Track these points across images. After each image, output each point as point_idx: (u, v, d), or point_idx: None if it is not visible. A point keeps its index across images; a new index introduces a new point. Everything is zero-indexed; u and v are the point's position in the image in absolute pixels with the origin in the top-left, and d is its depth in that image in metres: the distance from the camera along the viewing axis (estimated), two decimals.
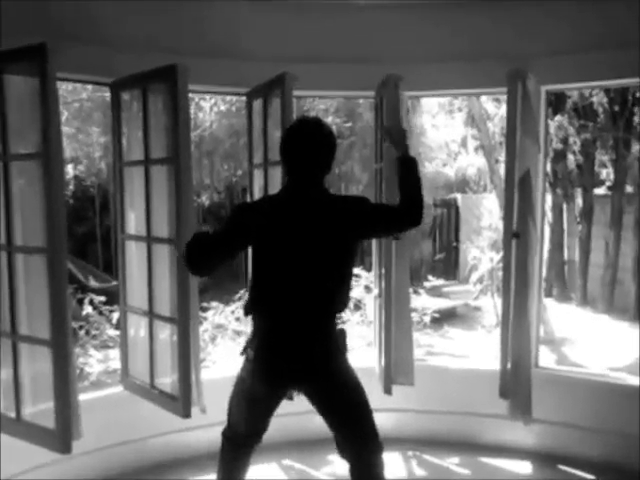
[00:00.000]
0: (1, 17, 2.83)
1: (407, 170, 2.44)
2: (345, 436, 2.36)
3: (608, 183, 11.06)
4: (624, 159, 10.18)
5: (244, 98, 3.80)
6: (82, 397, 3.18)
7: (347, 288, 2.40)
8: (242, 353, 2.40)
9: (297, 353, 2.29)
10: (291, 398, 2.51)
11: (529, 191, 3.34)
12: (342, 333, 2.37)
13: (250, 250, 2.45)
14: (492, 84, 3.67)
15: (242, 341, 5.53)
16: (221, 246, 2.30)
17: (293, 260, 2.27)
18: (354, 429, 2.36)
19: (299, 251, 2.27)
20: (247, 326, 4.08)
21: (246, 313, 2.43)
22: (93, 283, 8.06)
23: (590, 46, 3.34)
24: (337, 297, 2.35)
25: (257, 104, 3.62)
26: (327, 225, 2.28)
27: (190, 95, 3.14)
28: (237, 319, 6.37)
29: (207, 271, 2.33)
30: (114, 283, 7.17)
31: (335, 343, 2.34)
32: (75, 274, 7.83)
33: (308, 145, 2.27)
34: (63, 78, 3.21)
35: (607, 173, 11.20)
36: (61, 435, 2.77)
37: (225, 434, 2.54)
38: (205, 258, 2.28)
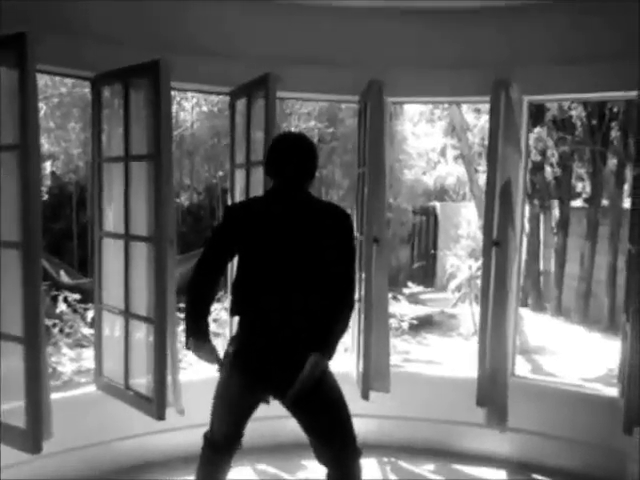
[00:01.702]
0: None
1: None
2: (323, 441, 2.34)
3: (584, 196, 11.22)
4: (600, 173, 10.33)
5: (227, 99, 3.78)
6: (54, 396, 3.11)
7: (341, 292, 2.35)
8: (224, 355, 2.40)
9: (277, 358, 2.28)
10: (267, 402, 2.48)
11: (510, 200, 3.37)
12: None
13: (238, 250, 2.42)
14: (476, 92, 3.69)
15: (220, 343, 5.47)
16: (220, 261, 2.38)
17: (278, 262, 2.29)
18: (332, 435, 2.34)
19: (285, 253, 2.29)
20: (225, 328, 4.04)
21: (231, 313, 2.46)
22: (65, 279, 7.92)
23: (574, 58, 3.38)
24: (318, 299, 2.32)
25: (240, 104, 3.60)
26: (312, 230, 2.32)
27: (172, 94, 3.11)
28: (215, 321, 6.31)
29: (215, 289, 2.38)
30: (86, 280, 7.08)
31: (314, 347, 2.30)
32: (47, 270, 7.69)
33: (293, 157, 2.35)
34: (43, 70, 3.16)
35: (583, 186, 11.36)
36: (31, 434, 2.70)
37: (207, 436, 2.51)
38: (211, 284, 2.36)
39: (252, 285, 2.34)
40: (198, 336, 2.33)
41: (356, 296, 2.42)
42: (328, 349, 2.28)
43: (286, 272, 2.29)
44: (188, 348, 2.37)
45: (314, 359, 2.23)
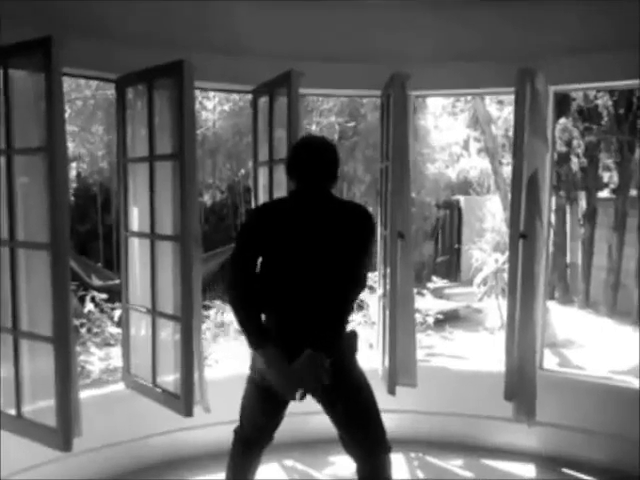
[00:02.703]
0: (6, 11, 2.81)
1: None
2: (353, 437, 2.36)
3: (612, 186, 11.03)
4: (628, 162, 10.14)
5: (249, 97, 3.78)
6: (83, 395, 3.15)
7: (358, 290, 2.40)
8: (252, 357, 2.42)
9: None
10: (302, 398, 2.47)
11: (537, 191, 3.32)
12: (353, 335, 2.38)
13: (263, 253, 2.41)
14: (500, 84, 3.65)
15: (245, 340, 5.50)
16: (251, 261, 2.32)
17: (304, 262, 2.29)
18: (362, 430, 2.35)
19: (310, 253, 2.29)
20: None
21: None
22: (96, 281, 8.02)
23: (599, 47, 3.32)
24: (347, 299, 2.36)
25: (262, 101, 3.60)
26: (337, 230, 2.32)
27: (195, 93, 3.12)
28: None
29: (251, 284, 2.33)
30: (117, 281, 7.16)
31: (345, 345, 2.35)
32: (77, 272, 7.79)
33: (315, 164, 2.36)
34: (68, 73, 3.20)
35: (611, 176, 11.16)
36: (62, 433, 2.74)
37: (237, 432, 2.53)
38: (247, 283, 2.31)
39: (277, 287, 2.33)
40: (257, 345, 2.29)
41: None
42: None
43: (311, 273, 2.28)
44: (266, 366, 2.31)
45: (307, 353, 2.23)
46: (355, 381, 2.36)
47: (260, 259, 2.35)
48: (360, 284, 2.38)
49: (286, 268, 2.32)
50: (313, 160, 2.36)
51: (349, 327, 2.41)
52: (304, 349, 2.25)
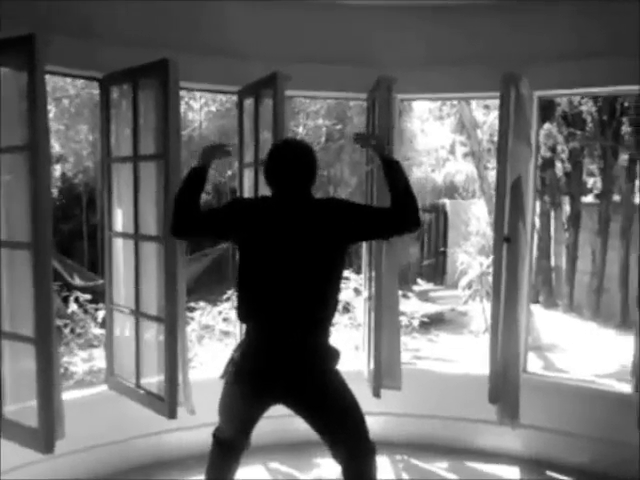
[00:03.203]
0: None
1: (395, 171, 2.42)
2: (335, 441, 2.34)
3: (595, 191, 11.14)
4: (611, 168, 10.25)
5: (235, 99, 3.77)
6: (66, 396, 3.12)
7: (336, 293, 2.38)
8: (229, 361, 2.41)
9: (281, 364, 2.27)
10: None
11: (520, 196, 3.34)
12: (334, 351, 2.34)
13: (237, 252, 2.44)
14: (485, 88, 3.67)
15: (230, 342, 5.49)
16: (206, 221, 2.43)
17: (281, 263, 2.27)
18: (343, 435, 2.33)
19: (287, 255, 2.27)
20: (235, 327, 4.05)
21: (238, 319, 2.48)
22: (78, 281, 7.96)
23: (585, 52, 3.35)
24: (325, 302, 2.33)
25: (248, 103, 3.59)
26: (317, 228, 2.30)
27: (180, 94, 3.11)
28: (225, 319, 6.33)
29: (185, 232, 2.46)
30: (99, 282, 7.11)
31: (323, 354, 2.32)
32: (60, 272, 7.73)
33: (294, 166, 2.33)
34: (52, 71, 3.17)
35: (594, 181, 11.28)
36: (44, 434, 2.71)
37: (215, 434, 2.52)
38: (190, 221, 2.40)
39: (254, 290, 2.34)
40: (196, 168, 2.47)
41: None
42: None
43: (287, 274, 2.27)
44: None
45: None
46: (327, 390, 2.31)
47: (237, 256, 2.40)
48: (333, 288, 2.35)
49: (261, 273, 2.31)
50: (287, 166, 2.33)
51: (331, 337, 2.39)
52: (281, 356, 2.25)
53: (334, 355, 2.35)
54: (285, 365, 2.28)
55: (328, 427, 2.34)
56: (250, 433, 2.48)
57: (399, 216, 2.34)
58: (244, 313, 2.39)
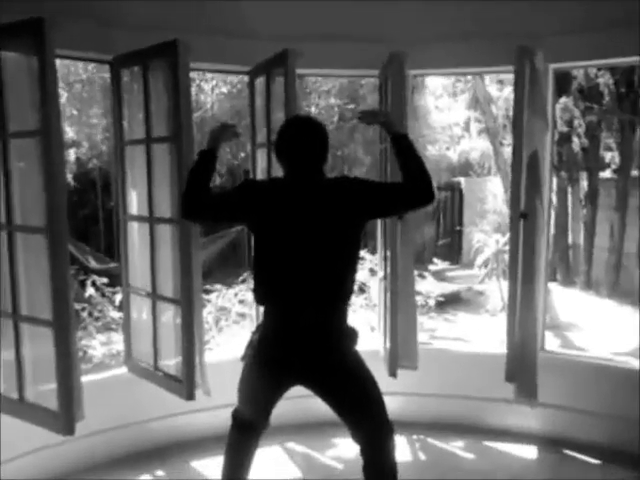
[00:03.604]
0: None
1: (406, 147, 2.38)
2: (355, 421, 2.35)
3: (613, 166, 10.97)
4: (629, 142, 10.08)
5: (246, 79, 3.74)
6: (85, 379, 3.16)
7: (352, 274, 2.36)
8: (248, 343, 2.41)
9: (299, 347, 2.27)
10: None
11: (537, 171, 3.29)
12: (352, 331, 2.35)
13: (252, 234, 2.41)
14: (499, 62, 3.61)
15: (246, 324, 5.51)
16: (217, 204, 2.40)
17: (297, 244, 2.26)
18: (363, 416, 2.33)
19: (303, 235, 2.25)
20: (251, 309, 4.05)
21: (255, 301, 2.47)
22: (93, 264, 8.03)
23: (599, 24, 3.28)
24: (341, 283, 2.31)
25: (259, 82, 3.56)
26: (331, 208, 2.27)
27: (191, 75, 3.08)
28: (241, 302, 6.36)
29: (195, 215, 2.44)
30: (113, 265, 7.16)
31: (340, 335, 2.32)
32: (76, 255, 7.80)
33: (305, 141, 2.30)
34: (63, 55, 3.15)
35: (612, 156, 11.10)
36: (64, 416, 2.75)
37: (234, 415, 2.53)
38: (201, 204, 2.38)
39: (271, 272, 2.33)
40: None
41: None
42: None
43: (304, 255, 2.25)
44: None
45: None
46: (346, 371, 2.32)
47: (253, 240, 2.37)
48: (351, 267, 2.34)
49: (277, 255, 2.30)
50: (298, 142, 2.30)
51: (350, 318, 2.38)
52: (300, 338, 2.25)
53: (352, 336, 2.35)
54: (304, 348, 2.27)
55: (348, 408, 2.33)
56: (269, 414, 2.48)
57: (412, 190, 2.30)
58: (261, 295, 2.38)
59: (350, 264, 2.35)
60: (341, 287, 2.32)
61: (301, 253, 2.25)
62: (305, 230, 2.25)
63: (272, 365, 2.33)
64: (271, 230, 2.30)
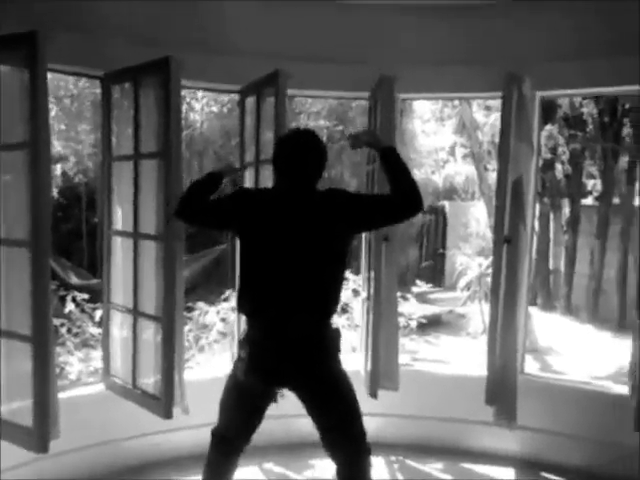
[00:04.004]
0: None
1: (394, 161, 2.39)
2: (334, 438, 2.35)
3: (595, 194, 11.14)
4: (612, 170, 10.26)
5: (236, 98, 3.77)
6: (62, 395, 3.12)
7: (339, 286, 2.38)
8: (237, 358, 2.41)
9: (288, 353, 2.27)
10: (275, 400, 2.47)
11: (521, 196, 3.34)
12: (336, 333, 2.36)
13: (240, 242, 2.42)
14: (487, 88, 3.66)
15: (227, 343, 5.46)
16: (211, 208, 2.40)
17: (285, 255, 2.27)
18: (343, 432, 2.34)
19: (291, 246, 2.26)
20: (233, 327, 4.03)
21: (239, 311, 2.50)
22: (74, 280, 7.95)
23: (586, 52, 3.36)
24: (328, 295, 2.33)
25: (250, 102, 3.59)
26: (320, 220, 2.29)
27: (182, 93, 3.10)
28: (222, 320, 6.31)
29: (188, 215, 2.44)
30: (95, 281, 7.10)
31: (327, 344, 2.33)
32: (57, 271, 7.72)
33: (303, 156, 2.32)
34: (54, 69, 3.16)
35: (594, 184, 11.28)
36: (37, 433, 2.70)
37: (214, 433, 2.50)
38: (197, 206, 2.40)
39: (257, 283, 2.33)
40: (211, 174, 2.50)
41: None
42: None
43: (290, 267, 2.26)
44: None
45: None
46: (334, 382, 2.34)
47: (238, 247, 2.42)
48: (337, 280, 2.35)
49: (263, 260, 2.30)
50: (296, 155, 2.32)
51: (334, 326, 2.38)
52: (282, 346, 2.25)
53: (337, 342, 2.35)
54: (294, 357, 2.27)
55: (331, 424, 2.34)
56: (252, 433, 2.46)
57: (401, 200, 2.31)
58: (247, 306, 2.38)
59: (337, 275, 2.36)
60: (328, 298, 2.33)
61: (288, 264, 2.26)
62: (293, 241, 2.26)
63: (263, 375, 2.32)
64: (259, 239, 2.31)
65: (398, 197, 2.32)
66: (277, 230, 2.28)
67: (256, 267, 2.34)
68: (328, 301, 2.33)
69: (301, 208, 2.30)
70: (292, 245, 2.26)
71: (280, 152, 2.36)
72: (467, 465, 3.65)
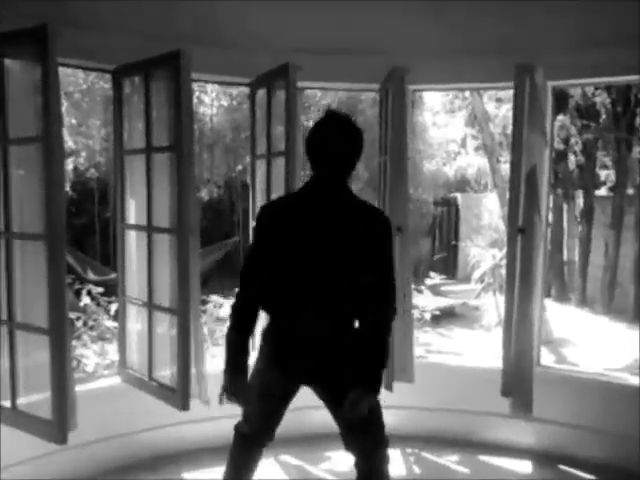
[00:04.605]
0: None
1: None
2: (353, 438, 2.33)
3: (609, 184, 11.04)
4: (625, 160, 10.16)
5: (246, 92, 3.76)
6: (79, 388, 3.14)
7: (365, 290, 2.24)
8: (259, 351, 2.38)
9: (313, 351, 2.25)
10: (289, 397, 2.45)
11: (535, 186, 3.31)
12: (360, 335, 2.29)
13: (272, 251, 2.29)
14: (499, 79, 3.64)
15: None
16: (258, 277, 2.26)
17: (310, 260, 2.19)
18: (364, 430, 2.31)
19: (317, 251, 2.19)
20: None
21: (268, 313, 2.37)
22: (91, 275, 8.00)
23: (598, 42, 3.31)
24: (353, 298, 2.25)
25: (260, 94, 3.58)
26: (344, 230, 2.20)
27: (192, 86, 3.10)
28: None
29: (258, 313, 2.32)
30: (112, 276, 7.14)
31: (352, 345, 2.28)
32: (73, 266, 7.77)
33: (340, 140, 2.18)
34: (65, 64, 3.17)
35: (608, 174, 11.18)
36: (57, 425, 2.73)
37: (238, 429, 2.49)
38: (254, 308, 2.30)
39: (282, 284, 2.24)
40: (235, 373, 2.27)
41: (396, 306, 2.30)
42: (371, 381, 2.20)
43: (314, 276, 2.19)
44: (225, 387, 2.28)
45: (353, 396, 2.15)
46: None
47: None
48: (377, 296, 2.23)
49: (287, 270, 2.22)
50: (331, 142, 2.17)
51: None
52: (308, 345, 2.23)
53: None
54: (318, 359, 2.25)
55: (353, 425, 2.27)
56: (275, 428, 2.44)
57: (376, 301, 2.23)
58: (272, 307, 2.31)
59: (362, 281, 2.22)
60: (353, 301, 2.24)
61: (315, 267, 2.19)
62: (317, 248, 2.18)
63: (287, 371, 2.30)
64: (285, 245, 2.22)
65: (374, 299, 2.22)
66: (302, 235, 2.20)
67: (282, 268, 2.23)
68: (352, 305, 2.25)
69: (329, 215, 2.20)
70: (315, 251, 2.18)
71: (311, 141, 2.21)
72: (483, 457, 3.64)
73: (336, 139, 2.18)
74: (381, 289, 2.23)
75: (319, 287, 2.20)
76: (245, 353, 2.30)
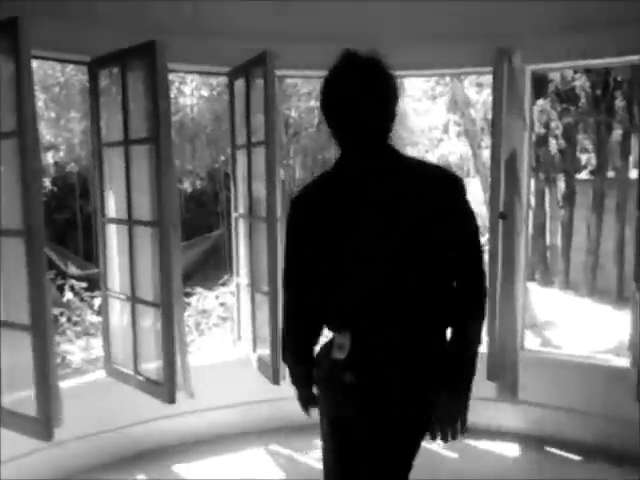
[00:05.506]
0: None
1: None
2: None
3: (590, 168, 11.14)
4: (606, 143, 10.25)
5: (226, 82, 3.72)
6: (63, 384, 3.12)
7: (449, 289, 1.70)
8: (337, 380, 1.70)
9: (408, 379, 1.69)
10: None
11: (515, 171, 3.32)
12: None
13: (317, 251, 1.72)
14: (477, 63, 3.62)
15: (228, 327, 5.46)
16: (309, 277, 1.72)
17: (369, 256, 1.63)
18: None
19: (375, 244, 1.62)
20: (232, 312, 4.02)
21: (333, 329, 1.75)
22: (73, 270, 7.94)
23: (576, 25, 3.30)
24: (438, 302, 1.69)
25: (239, 84, 3.55)
26: (406, 202, 1.62)
27: (171, 78, 3.06)
28: (222, 304, 6.32)
29: (312, 310, 1.76)
30: (94, 270, 7.10)
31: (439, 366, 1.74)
32: (54, 261, 7.70)
33: (365, 91, 1.61)
34: (40, 56, 3.12)
35: (589, 158, 11.27)
36: (42, 421, 2.71)
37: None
38: (309, 314, 1.77)
39: (344, 289, 1.68)
40: (297, 383, 1.90)
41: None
42: (459, 385, 1.76)
43: (382, 269, 1.63)
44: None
45: (443, 400, 1.71)
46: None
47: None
48: (464, 280, 1.69)
49: (345, 267, 1.66)
50: (356, 93, 1.61)
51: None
52: (387, 367, 1.66)
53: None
54: (412, 388, 1.70)
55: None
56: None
57: (464, 290, 1.70)
58: (338, 322, 1.72)
59: (442, 275, 1.68)
60: (438, 305, 1.70)
61: (379, 265, 1.63)
62: (377, 235, 1.62)
63: (381, 407, 1.70)
64: (333, 240, 1.66)
65: (463, 289, 1.70)
66: (352, 220, 1.63)
67: (331, 271, 1.69)
68: (439, 307, 1.70)
69: (379, 187, 1.63)
70: (376, 239, 1.62)
71: (329, 99, 1.66)
72: (470, 441, 3.66)
73: (368, 90, 1.62)
74: (469, 281, 1.69)
75: (397, 281, 1.64)
76: (303, 362, 1.85)
